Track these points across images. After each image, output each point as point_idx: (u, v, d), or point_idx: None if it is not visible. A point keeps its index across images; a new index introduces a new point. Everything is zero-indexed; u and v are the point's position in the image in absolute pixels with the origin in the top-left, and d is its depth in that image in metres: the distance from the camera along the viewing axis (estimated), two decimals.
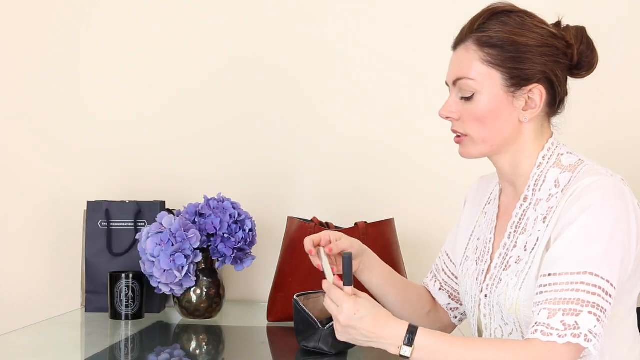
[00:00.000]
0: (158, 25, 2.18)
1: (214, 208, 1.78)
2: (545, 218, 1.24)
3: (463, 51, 1.28)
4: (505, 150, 1.30)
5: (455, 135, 1.32)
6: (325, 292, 1.56)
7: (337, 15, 2.14)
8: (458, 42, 1.30)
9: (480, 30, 1.26)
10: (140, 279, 1.81)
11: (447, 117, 1.31)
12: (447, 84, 1.33)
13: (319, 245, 1.39)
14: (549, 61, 1.25)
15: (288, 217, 1.86)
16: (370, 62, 2.13)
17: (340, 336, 1.24)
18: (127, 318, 1.81)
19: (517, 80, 1.25)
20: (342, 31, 2.14)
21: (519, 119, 1.27)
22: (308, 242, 1.39)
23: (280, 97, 2.15)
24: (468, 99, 1.27)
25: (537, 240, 1.24)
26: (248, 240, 1.80)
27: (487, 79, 1.25)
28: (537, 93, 1.26)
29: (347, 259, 1.24)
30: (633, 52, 2.07)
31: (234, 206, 1.79)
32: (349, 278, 1.23)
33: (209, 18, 2.17)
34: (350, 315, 1.20)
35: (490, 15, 1.27)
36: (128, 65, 2.19)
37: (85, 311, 1.94)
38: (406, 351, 1.17)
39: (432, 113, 2.10)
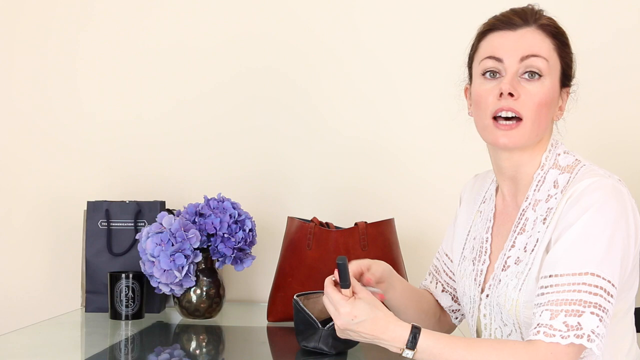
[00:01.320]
0: (159, 27, 2.18)
1: (214, 208, 1.78)
2: (544, 219, 1.24)
3: (532, 33, 1.25)
4: (528, 147, 1.28)
5: (504, 121, 1.24)
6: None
7: (336, 17, 2.14)
8: (517, 24, 1.25)
9: (543, 20, 1.27)
10: (140, 279, 1.81)
11: (510, 94, 1.23)
12: (498, 59, 1.25)
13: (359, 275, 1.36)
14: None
15: (288, 217, 1.86)
16: (370, 63, 2.13)
17: (340, 335, 1.25)
18: (127, 318, 1.81)
19: (566, 77, 1.28)
20: (341, 32, 2.14)
21: (553, 116, 1.29)
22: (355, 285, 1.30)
23: (280, 98, 2.15)
24: (535, 78, 1.23)
25: (537, 242, 1.24)
26: (248, 240, 1.79)
27: (554, 66, 1.26)
28: (567, 95, 1.30)
29: (341, 265, 1.21)
30: (635, 54, 2.07)
31: (234, 206, 1.79)
32: (346, 282, 1.22)
33: (210, 22, 2.17)
34: (347, 320, 1.20)
35: (538, 9, 1.29)
36: (128, 66, 2.19)
37: (85, 311, 1.94)
38: (408, 354, 1.17)
39: (433, 113, 2.11)
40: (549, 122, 1.27)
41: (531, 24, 1.26)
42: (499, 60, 1.26)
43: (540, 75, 1.24)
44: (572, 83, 1.31)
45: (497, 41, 1.27)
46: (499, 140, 1.25)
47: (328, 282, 1.25)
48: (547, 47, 1.25)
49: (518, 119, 1.23)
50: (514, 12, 1.29)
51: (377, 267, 1.39)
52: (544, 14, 1.29)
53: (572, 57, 1.30)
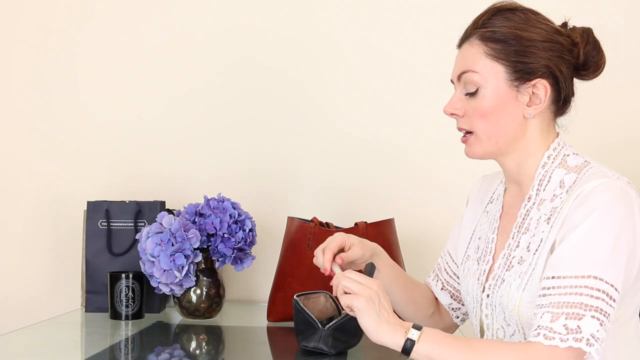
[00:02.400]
0: (159, 27, 2.18)
1: (214, 208, 1.78)
2: (549, 218, 1.24)
3: (467, 47, 1.29)
4: (511, 150, 1.30)
5: (462, 135, 1.32)
6: (325, 292, 1.57)
7: (338, 14, 2.14)
8: (463, 40, 1.31)
9: (484, 27, 1.28)
10: (140, 279, 1.81)
11: (452, 114, 1.31)
12: (452, 81, 1.34)
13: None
14: (553, 56, 1.26)
15: (288, 217, 1.86)
16: (371, 62, 2.13)
17: (362, 306, 1.20)
18: (127, 318, 1.81)
19: (521, 74, 1.25)
20: (343, 31, 2.14)
21: (524, 115, 1.27)
22: (327, 261, 1.36)
23: (280, 98, 2.15)
24: (472, 94, 1.28)
25: (541, 242, 1.24)
26: (248, 240, 1.79)
27: (491, 72, 1.26)
28: (542, 88, 1.26)
29: (369, 267, 1.30)
30: (636, 52, 2.07)
31: (234, 206, 1.79)
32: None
33: (210, 22, 2.17)
34: (379, 290, 1.22)
35: (494, 13, 1.29)
36: (128, 66, 2.19)
37: (85, 311, 1.94)
38: (414, 334, 1.17)
39: (433, 113, 2.10)
40: (511, 124, 1.27)
41: (470, 36, 1.30)
42: (452, 82, 1.34)
43: (476, 89, 1.27)
44: (538, 73, 1.25)
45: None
46: (465, 151, 1.33)
47: (345, 273, 1.27)
48: (477, 57, 1.27)
49: (470, 132, 1.30)
50: (468, 25, 1.32)
51: (356, 251, 1.41)
52: (499, 12, 1.28)
53: (531, 49, 1.25)
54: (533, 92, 1.26)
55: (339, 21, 2.14)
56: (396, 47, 2.13)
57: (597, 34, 1.31)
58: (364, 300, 1.20)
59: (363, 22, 2.13)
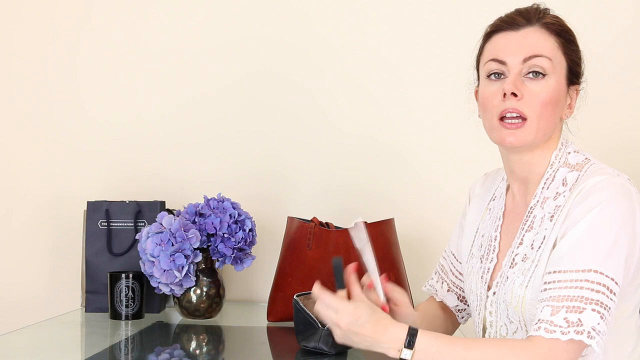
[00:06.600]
0: (159, 27, 2.18)
1: (213, 208, 1.78)
2: (552, 216, 1.25)
3: (535, 33, 1.26)
4: (537, 147, 1.28)
5: (509, 120, 1.24)
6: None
7: (336, 16, 2.14)
8: (520, 24, 1.26)
9: (545, 19, 1.27)
10: (140, 279, 1.81)
11: (512, 94, 1.24)
12: (501, 61, 1.26)
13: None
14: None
15: (288, 217, 1.86)
16: (370, 63, 2.13)
17: (340, 340, 1.23)
18: (127, 318, 1.81)
19: (574, 75, 1.28)
20: (342, 31, 2.14)
21: (562, 116, 1.28)
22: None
23: (280, 99, 2.15)
24: (540, 76, 1.24)
25: (544, 239, 1.24)
26: (248, 240, 1.79)
27: (559, 64, 1.26)
28: (575, 92, 1.29)
29: (336, 266, 1.20)
30: (637, 53, 2.07)
31: (234, 206, 1.79)
32: (341, 283, 1.21)
33: (210, 23, 2.17)
34: (352, 321, 1.19)
35: (543, 9, 1.29)
36: (128, 66, 2.19)
37: (85, 311, 1.94)
38: (407, 354, 1.17)
39: (433, 113, 2.11)
40: (556, 121, 1.27)
41: (534, 23, 1.26)
42: (502, 62, 1.27)
43: (544, 75, 1.24)
44: (581, 80, 1.30)
45: (501, 43, 1.28)
46: (505, 139, 1.25)
47: (319, 289, 1.24)
48: (550, 46, 1.25)
49: (523, 118, 1.24)
50: (518, 12, 1.29)
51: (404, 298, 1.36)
52: (549, 12, 1.29)
53: (580, 55, 1.29)
54: (571, 96, 1.29)
55: (338, 23, 2.14)
56: (395, 48, 2.12)
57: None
58: (340, 340, 1.22)
59: (362, 24, 2.13)
